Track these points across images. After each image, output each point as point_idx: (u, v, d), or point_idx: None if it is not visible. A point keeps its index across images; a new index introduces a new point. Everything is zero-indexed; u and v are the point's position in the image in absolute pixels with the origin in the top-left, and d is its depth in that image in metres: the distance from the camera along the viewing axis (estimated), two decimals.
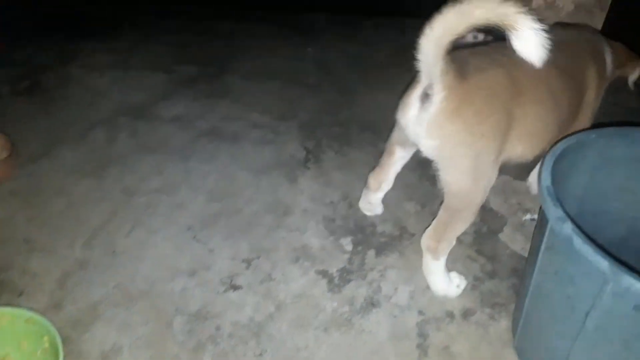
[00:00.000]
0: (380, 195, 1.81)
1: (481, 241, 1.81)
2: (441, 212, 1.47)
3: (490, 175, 1.39)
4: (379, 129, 2.27)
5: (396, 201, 1.95)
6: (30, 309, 1.43)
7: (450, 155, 1.33)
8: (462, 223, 1.46)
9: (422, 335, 1.49)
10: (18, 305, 1.49)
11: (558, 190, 1.10)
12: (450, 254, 1.54)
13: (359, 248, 1.77)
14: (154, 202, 1.92)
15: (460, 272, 1.65)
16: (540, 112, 1.41)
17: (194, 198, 1.94)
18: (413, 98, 1.33)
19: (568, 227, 0.98)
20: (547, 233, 1.09)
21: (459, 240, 1.78)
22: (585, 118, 1.65)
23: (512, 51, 1.33)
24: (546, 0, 2.99)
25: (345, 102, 2.59)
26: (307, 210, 1.92)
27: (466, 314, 1.55)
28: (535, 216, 1.88)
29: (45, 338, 1.32)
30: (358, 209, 1.90)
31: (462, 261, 1.73)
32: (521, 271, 1.65)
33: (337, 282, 1.64)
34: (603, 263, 0.91)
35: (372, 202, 1.84)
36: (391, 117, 1.48)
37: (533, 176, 1.99)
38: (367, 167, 1.91)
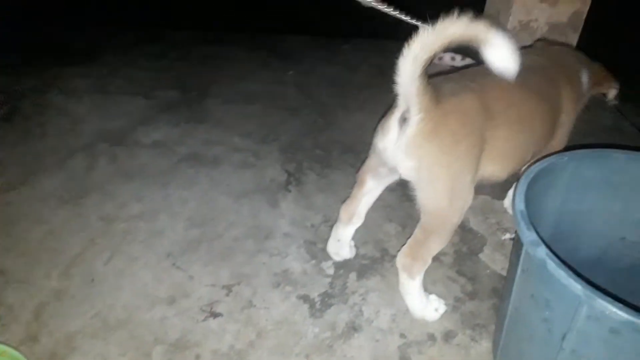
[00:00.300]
0: (350, 230, 1.75)
1: (461, 262, 1.82)
2: (417, 231, 1.48)
3: (466, 196, 1.41)
4: (359, 151, 2.29)
5: (376, 223, 1.96)
6: (5, 342, 1.40)
7: (428, 176, 1.36)
8: (438, 243, 1.47)
9: (404, 359, 1.48)
10: None
11: (533, 212, 1.11)
12: (430, 275, 1.54)
13: (341, 271, 1.76)
14: (133, 229, 1.90)
15: (441, 293, 1.66)
16: (510, 134, 1.45)
17: (174, 224, 1.93)
18: (392, 122, 1.35)
19: (542, 251, 0.99)
20: (522, 256, 1.10)
21: (439, 261, 1.79)
22: (561, 137, 1.70)
23: (483, 77, 1.37)
24: (520, 21, 3.05)
25: (326, 125, 2.61)
26: (288, 234, 1.91)
27: (447, 336, 1.55)
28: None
29: None
30: None
31: (442, 282, 1.73)
32: (501, 291, 1.66)
33: (318, 306, 1.63)
34: (577, 287, 0.92)
35: (341, 240, 1.76)
36: (371, 139, 1.50)
37: (509, 198, 2.02)
38: (349, 188, 1.91)
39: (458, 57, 2.82)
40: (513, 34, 3.04)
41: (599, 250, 1.41)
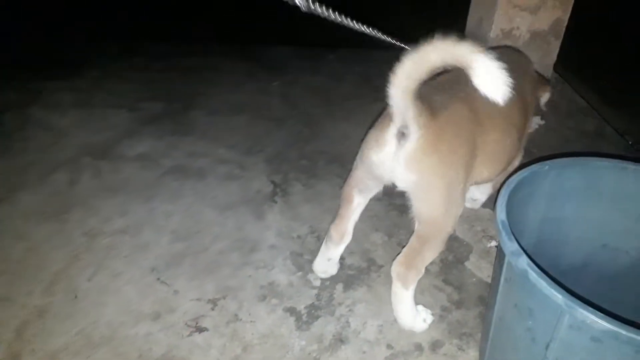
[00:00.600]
0: (342, 248, 1.74)
1: (447, 270, 1.82)
2: (413, 240, 1.49)
3: (460, 203, 1.45)
4: (346, 161, 2.29)
5: (363, 232, 1.95)
6: None
7: (427, 187, 1.39)
8: (433, 251, 1.49)
9: None
10: None
11: (516, 220, 1.12)
12: (416, 284, 1.54)
13: (327, 283, 1.76)
14: (117, 244, 1.88)
15: (427, 303, 1.66)
16: (498, 137, 1.52)
17: (158, 238, 1.91)
18: (388, 136, 1.37)
19: (523, 261, 0.99)
20: (505, 265, 1.10)
21: (426, 269, 1.79)
22: (527, 132, 1.82)
23: (467, 83, 1.39)
24: (503, 29, 3.08)
25: (312, 135, 2.61)
26: (274, 246, 1.91)
27: (434, 345, 1.55)
28: None
29: None
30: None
31: (429, 291, 1.73)
32: (487, 299, 1.66)
33: (305, 319, 1.62)
34: (558, 296, 0.92)
35: (332, 259, 1.75)
36: (357, 149, 1.50)
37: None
38: (335, 199, 1.91)
39: None
40: (495, 43, 3.07)
41: (582, 258, 1.42)
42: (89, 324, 1.59)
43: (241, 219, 2.03)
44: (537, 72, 1.97)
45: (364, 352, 1.52)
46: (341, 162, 2.35)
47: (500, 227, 1.08)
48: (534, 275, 0.96)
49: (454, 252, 1.90)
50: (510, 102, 1.53)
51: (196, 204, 2.10)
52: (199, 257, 1.84)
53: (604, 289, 1.35)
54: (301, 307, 1.66)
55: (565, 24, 3.09)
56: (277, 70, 3.30)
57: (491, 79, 1.08)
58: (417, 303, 1.60)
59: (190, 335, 1.56)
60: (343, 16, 1.62)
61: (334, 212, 1.81)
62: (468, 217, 2.07)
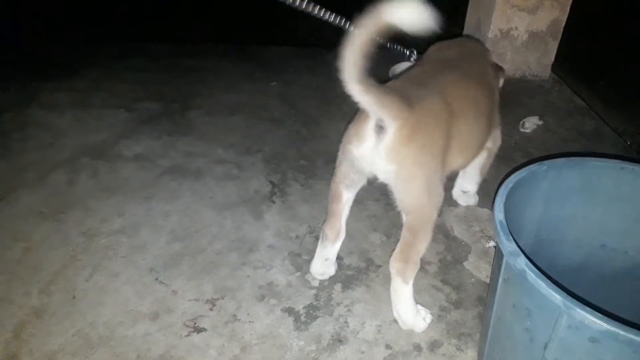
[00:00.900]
0: (338, 246, 1.73)
1: (446, 270, 1.82)
2: (404, 233, 1.50)
3: (440, 192, 1.49)
4: None
5: (361, 233, 1.95)
6: None
7: (408, 176, 1.42)
8: (425, 241, 1.51)
9: None
10: None
11: (514, 221, 1.12)
12: (415, 284, 1.54)
13: (326, 283, 1.75)
14: (115, 244, 1.88)
15: (426, 303, 1.66)
16: (470, 125, 1.58)
17: (156, 238, 1.91)
18: (367, 130, 1.40)
19: (521, 261, 0.99)
20: (503, 266, 1.10)
21: (424, 270, 1.79)
22: (497, 118, 1.87)
23: (436, 75, 1.56)
24: (501, 30, 3.09)
25: (310, 135, 2.61)
26: (272, 246, 1.90)
27: (433, 345, 1.55)
28: None
29: None
30: None
31: (427, 291, 1.73)
32: (486, 300, 1.66)
33: (303, 319, 1.62)
34: (556, 297, 0.92)
35: (329, 258, 1.74)
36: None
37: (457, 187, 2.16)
38: None
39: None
40: (494, 43, 3.07)
41: (581, 258, 1.42)
42: (87, 324, 1.58)
43: (239, 219, 2.03)
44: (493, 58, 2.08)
45: (363, 352, 1.52)
46: None
47: (499, 227, 1.08)
48: (532, 275, 0.96)
49: (453, 252, 1.90)
50: (478, 91, 1.64)
51: (194, 204, 2.09)
52: (197, 257, 1.84)
53: (602, 289, 1.35)
54: (299, 307, 1.66)
55: (564, 24, 3.10)
56: (276, 71, 3.30)
57: (412, 13, 1.11)
58: (415, 303, 1.60)
59: (188, 335, 1.55)
60: (333, 16, 1.72)
61: None
62: (466, 217, 2.07)
